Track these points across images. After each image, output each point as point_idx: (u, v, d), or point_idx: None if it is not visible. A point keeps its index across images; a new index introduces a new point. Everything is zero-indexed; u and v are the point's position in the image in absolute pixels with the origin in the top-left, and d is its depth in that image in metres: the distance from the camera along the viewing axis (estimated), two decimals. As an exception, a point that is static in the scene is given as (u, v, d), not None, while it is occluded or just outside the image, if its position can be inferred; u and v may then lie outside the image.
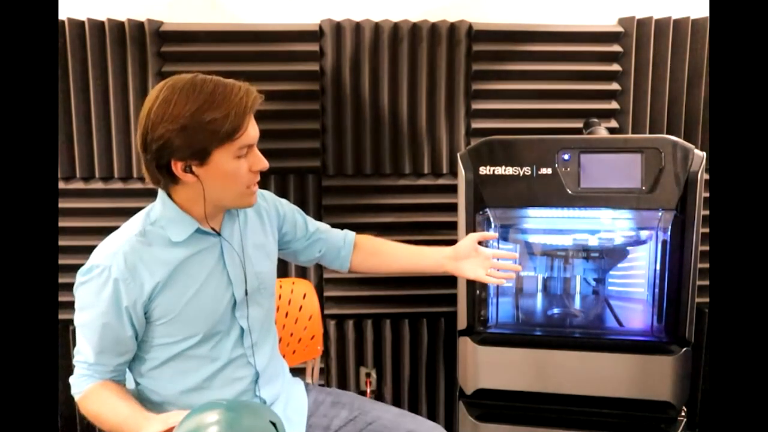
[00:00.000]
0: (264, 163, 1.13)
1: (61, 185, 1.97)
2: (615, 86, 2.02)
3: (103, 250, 1.12)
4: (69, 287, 1.94)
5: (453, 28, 1.97)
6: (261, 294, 1.26)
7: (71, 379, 1.14)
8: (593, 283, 1.89)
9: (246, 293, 1.22)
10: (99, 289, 1.08)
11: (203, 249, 1.17)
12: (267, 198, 1.36)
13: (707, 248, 1.85)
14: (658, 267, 1.65)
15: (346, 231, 1.46)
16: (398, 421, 1.31)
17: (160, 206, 1.15)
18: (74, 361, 1.13)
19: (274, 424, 0.95)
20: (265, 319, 1.28)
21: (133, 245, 1.10)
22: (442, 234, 2.05)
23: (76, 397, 1.12)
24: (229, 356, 1.20)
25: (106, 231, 1.95)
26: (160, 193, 1.16)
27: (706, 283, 1.91)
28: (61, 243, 1.93)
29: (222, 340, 1.19)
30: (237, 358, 1.21)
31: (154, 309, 1.12)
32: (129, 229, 1.14)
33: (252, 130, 1.10)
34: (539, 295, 1.91)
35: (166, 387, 1.18)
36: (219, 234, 1.19)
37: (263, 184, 2.04)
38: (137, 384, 1.21)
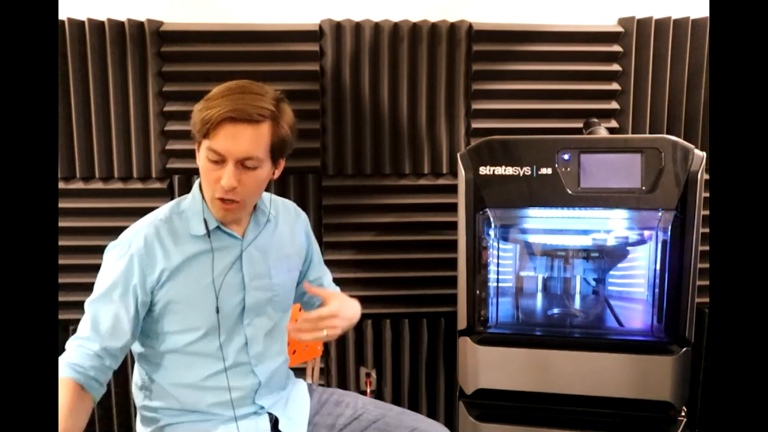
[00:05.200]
0: (225, 182, 1.08)
1: (61, 185, 1.97)
2: (615, 86, 2.02)
3: (130, 228, 1.18)
4: (69, 287, 1.97)
5: (453, 28, 1.97)
6: (272, 306, 1.26)
7: (64, 353, 1.10)
8: (593, 283, 1.89)
9: (256, 300, 1.22)
10: (115, 262, 1.14)
11: (222, 248, 1.19)
12: (302, 216, 1.39)
13: (707, 248, 1.85)
14: (658, 267, 1.65)
15: (330, 285, 1.48)
16: (401, 418, 1.31)
17: (190, 197, 1.21)
18: (69, 342, 1.11)
19: None
20: (272, 331, 1.27)
21: (157, 227, 1.16)
22: (442, 234, 2.06)
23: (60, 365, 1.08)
24: (234, 360, 1.20)
25: (106, 231, 1.98)
26: (197, 183, 1.21)
27: (706, 283, 1.91)
28: (61, 243, 1.94)
29: (227, 342, 1.19)
30: (241, 365, 1.21)
31: (162, 294, 1.14)
32: (159, 212, 1.20)
33: (225, 141, 1.07)
34: (539, 295, 1.91)
35: (169, 377, 1.19)
36: (241, 238, 1.21)
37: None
38: (145, 372, 1.23)
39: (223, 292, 1.18)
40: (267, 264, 1.24)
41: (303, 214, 1.39)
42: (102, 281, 1.15)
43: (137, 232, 1.16)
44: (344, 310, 1.20)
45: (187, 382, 1.19)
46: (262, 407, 1.24)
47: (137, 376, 1.27)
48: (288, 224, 1.32)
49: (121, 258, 1.14)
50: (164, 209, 1.21)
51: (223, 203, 1.13)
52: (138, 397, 1.26)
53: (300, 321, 1.12)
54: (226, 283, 1.18)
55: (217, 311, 1.17)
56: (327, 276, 1.47)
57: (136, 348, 1.23)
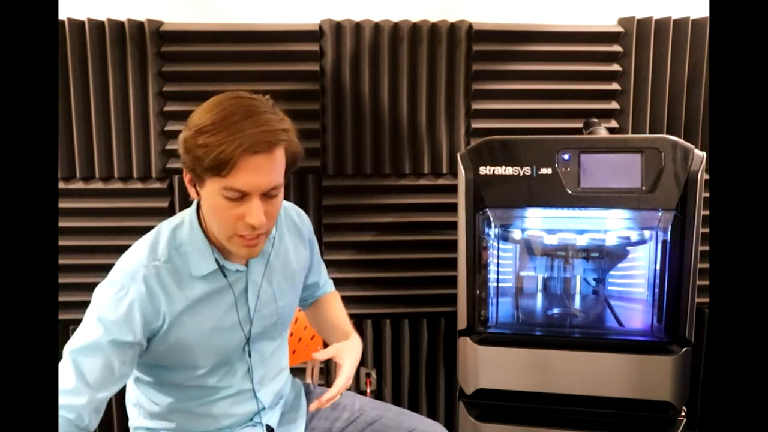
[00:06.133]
0: (254, 220, 0.97)
1: (61, 185, 1.97)
2: (615, 86, 2.02)
3: (124, 265, 1.04)
4: (69, 287, 1.97)
5: (453, 28, 1.97)
6: (277, 329, 1.21)
7: None
8: (593, 283, 1.89)
9: (262, 329, 1.17)
10: (109, 306, 0.99)
11: (226, 285, 1.09)
12: (305, 221, 1.28)
13: (707, 248, 1.85)
14: (658, 267, 1.65)
15: (326, 283, 1.43)
16: (399, 419, 1.30)
17: (188, 229, 1.07)
18: None
19: None
20: (276, 350, 1.23)
21: (158, 270, 1.03)
22: (442, 234, 2.06)
23: None
24: (238, 389, 1.16)
25: (106, 231, 1.99)
26: (191, 210, 1.09)
27: (706, 283, 1.91)
28: (61, 243, 1.94)
29: (230, 373, 1.14)
30: (244, 392, 1.17)
31: (162, 339, 1.04)
32: (154, 246, 1.06)
33: (247, 177, 0.94)
34: (539, 295, 1.90)
35: (165, 402, 1.14)
36: (245, 267, 1.12)
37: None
38: (140, 392, 1.17)
39: (229, 330, 1.10)
40: (272, 289, 1.16)
41: (306, 219, 1.29)
42: (90, 327, 0.98)
43: (134, 273, 1.01)
44: (354, 364, 1.16)
45: (186, 408, 1.14)
46: (261, 423, 1.21)
47: (131, 393, 1.20)
48: (292, 237, 1.23)
49: (119, 303, 0.99)
50: (161, 243, 1.06)
51: (247, 241, 1.01)
52: (132, 414, 1.21)
53: (324, 401, 1.07)
54: (231, 319, 1.11)
55: (223, 349, 1.11)
56: (323, 274, 1.41)
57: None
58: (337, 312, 1.38)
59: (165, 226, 1.10)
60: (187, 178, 1.01)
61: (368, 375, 2.12)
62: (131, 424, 1.22)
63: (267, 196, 0.99)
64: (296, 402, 1.33)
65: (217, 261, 1.07)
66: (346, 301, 2.14)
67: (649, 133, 2.02)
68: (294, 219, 1.25)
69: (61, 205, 1.94)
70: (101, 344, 0.97)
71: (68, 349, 0.98)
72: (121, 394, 2.04)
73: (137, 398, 1.18)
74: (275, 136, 0.96)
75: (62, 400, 0.93)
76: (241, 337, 1.13)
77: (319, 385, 1.55)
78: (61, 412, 0.93)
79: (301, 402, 1.33)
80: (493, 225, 1.68)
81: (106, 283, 1.03)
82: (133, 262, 1.04)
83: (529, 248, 1.85)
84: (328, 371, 2.14)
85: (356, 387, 2.14)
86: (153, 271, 1.02)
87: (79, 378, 0.95)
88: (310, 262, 1.31)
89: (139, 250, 1.06)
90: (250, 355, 1.16)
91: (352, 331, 1.28)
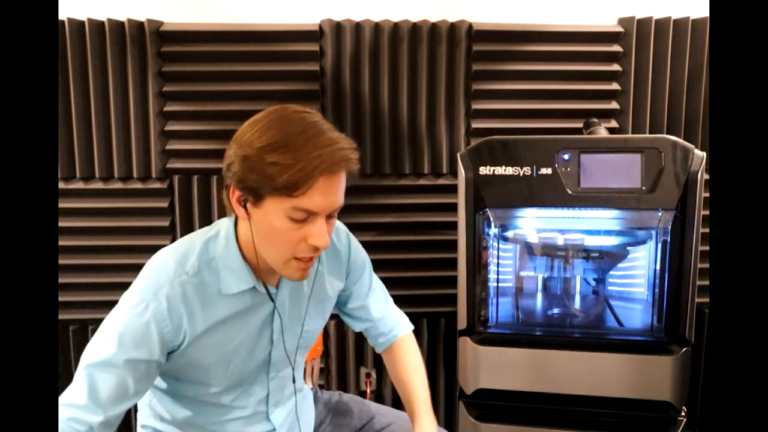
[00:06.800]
0: (321, 241, 0.93)
1: (61, 185, 1.97)
2: (615, 86, 2.02)
3: (151, 273, 0.99)
4: (69, 287, 1.97)
5: (453, 28, 1.97)
6: (300, 352, 1.17)
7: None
8: (593, 283, 1.89)
9: (284, 352, 1.12)
10: (127, 320, 0.95)
11: (253, 306, 1.04)
12: (343, 240, 1.20)
13: (707, 248, 1.85)
14: (658, 267, 1.65)
15: (400, 322, 1.34)
16: (408, 427, 1.24)
17: (223, 243, 1.01)
18: (60, 405, 0.92)
19: None
20: (288, 373, 1.18)
21: (183, 287, 0.97)
22: (442, 234, 2.06)
23: None
24: (253, 410, 1.13)
25: (106, 231, 1.99)
26: (228, 223, 1.03)
27: (706, 283, 1.91)
28: (61, 243, 1.94)
29: (246, 394, 1.11)
30: (258, 413, 1.14)
31: (180, 357, 1.01)
32: (184, 260, 1.00)
33: (320, 198, 0.90)
34: (539, 295, 1.90)
35: (178, 412, 1.11)
36: (276, 289, 1.07)
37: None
38: (153, 395, 1.14)
39: (250, 351, 1.06)
40: (301, 312, 1.11)
41: (352, 241, 1.20)
42: (107, 341, 0.94)
43: (158, 289, 0.96)
44: None
45: (197, 422, 1.11)
46: None
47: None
48: (333, 260, 1.17)
49: (138, 319, 0.95)
50: (192, 255, 1.00)
51: (304, 263, 0.97)
52: (142, 412, 1.18)
53: None
54: (254, 341, 1.06)
55: (242, 370, 1.07)
56: (378, 306, 1.29)
57: None
58: (409, 371, 1.26)
59: (198, 237, 1.04)
60: (235, 195, 0.94)
61: (368, 375, 2.12)
62: (140, 421, 1.19)
63: (329, 216, 0.96)
64: (305, 411, 1.28)
65: (250, 280, 1.02)
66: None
67: (649, 133, 2.02)
68: (334, 241, 1.18)
69: (61, 205, 1.94)
70: (116, 363, 0.93)
71: (84, 362, 0.95)
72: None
73: (150, 399, 1.15)
74: (351, 154, 0.92)
75: (74, 413, 0.91)
76: (262, 360, 1.09)
77: (319, 385, 1.55)
78: (71, 424, 0.91)
79: (309, 410, 1.29)
80: (493, 225, 1.68)
81: (130, 292, 0.98)
82: (159, 275, 0.98)
83: (529, 248, 1.85)
84: (328, 371, 2.14)
85: (356, 387, 2.14)
86: (178, 290, 0.97)
87: (92, 394, 0.93)
88: (349, 286, 1.24)
89: (168, 260, 1.00)
90: (269, 378, 1.13)
91: (423, 407, 1.19)
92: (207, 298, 1.00)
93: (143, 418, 1.18)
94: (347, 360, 2.13)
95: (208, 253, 1.01)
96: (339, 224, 1.19)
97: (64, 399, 0.93)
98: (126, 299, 0.98)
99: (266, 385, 1.12)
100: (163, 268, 0.99)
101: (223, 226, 1.04)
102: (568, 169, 1.61)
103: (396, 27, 1.96)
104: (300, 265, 0.97)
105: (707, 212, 1.71)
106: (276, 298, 1.07)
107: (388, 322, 1.31)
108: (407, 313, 2.15)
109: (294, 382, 1.19)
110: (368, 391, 2.11)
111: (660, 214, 1.59)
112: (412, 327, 1.36)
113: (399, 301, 2.14)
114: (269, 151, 0.88)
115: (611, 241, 1.74)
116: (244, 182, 0.91)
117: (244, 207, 0.94)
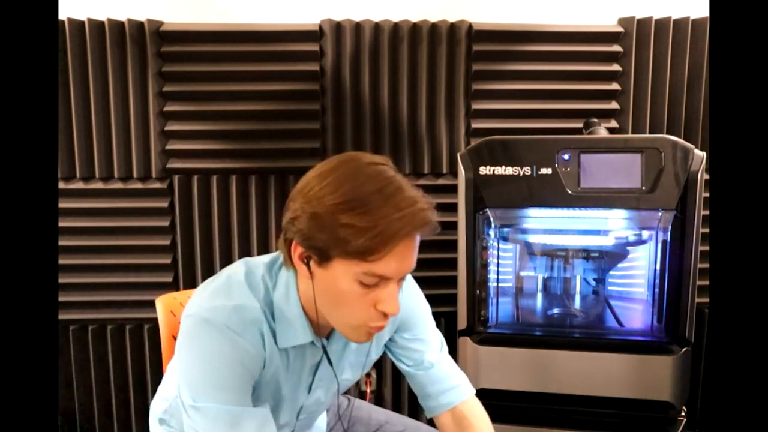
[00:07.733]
0: (392, 308, 0.85)
1: (61, 185, 1.97)
2: (615, 86, 2.02)
3: (228, 302, 0.90)
4: (69, 287, 1.97)
5: (453, 28, 1.97)
6: (332, 396, 1.12)
7: None
8: (593, 283, 1.89)
9: (318, 398, 1.07)
10: (221, 350, 0.88)
11: (302, 356, 0.99)
12: (408, 301, 1.11)
13: (707, 248, 1.85)
14: (658, 267, 1.65)
15: (459, 385, 1.16)
16: None
17: (283, 293, 0.93)
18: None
19: None
20: (317, 411, 1.13)
21: (260, 323, 0.91)
22: (442, 234, 2.05)
23: None
24: None
25: (106, 231, 1.99)
26: (288, 274, 0.94)
27: (706, 283, 1.91)
28: (61, 243, 1.93)
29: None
30: None
31: None
32: (253, 294, 0.91)
33: (396, 264, 0.82)
34: (539, 295, 1.91)
35: None
36: (327, 340, 1.02)
37: (263, 184, 2.07)
38: (175, 396, 1.08)
39: (288, 395, 1.00)
40: (342, 364, 1.05)
41: (403, 291, 1.06)
42: (219, 358, 0.87)
43: (249, 324, 0.89)
44: None
45: None
46: None
47: (166, 390, 1.11)
48: None
49: (228, 344, 0.88)
50: (257, 292, 0.92)
51: (375, 330, 0.90)
52: (157, 405, 1.12)
53: None
54: (294, 388, 1.01)
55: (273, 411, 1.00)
56: (429, 353, 1.14)
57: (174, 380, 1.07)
58: None
59: (257, 276, 0.95)
60: (297, 252, 0.87)
61: (368, 375, 2.12)
62: (155, 408, 1.14)
63: (401, 278, 0.88)
64: (317, 421, 1.26)
65: (309, 335, 0.96)
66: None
67: (649, 133, 2.02)
68: None
69: (61, 205, 1.94)
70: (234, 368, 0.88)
71: (200, 401, 0.87)
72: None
73: (171, 396, 1.09)
74: (432, 216, 0.85)
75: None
76: (295, 407, 1.05)
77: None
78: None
79: (321, 418, 1.27)
80: (493, 225, 1.68)
81: (209, 320, 0.88)
82: (245, 306, 0.90)
83: (528, 248, 1.85)
84: (328, 371, 2.14)
85: (356, 387, 2.14)
86: (266, 329, 0.91)
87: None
88: (399, 340, 1.14)
89: (244, 289, 0.92)
90: (298, 420, 1.09)
91: None
92: (262, 339, 0.93)
93: (158, 409, 1.13)
94: (347, 360, 2.12)
95: (268, 295, 0.93)
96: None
97: None
98: (205, 329, 0.90)
99: (293, 424, 1.08)
100: (244, 300, 0.92)
101: (282, 276, 0.95)
102: (568, 169, 1.61)
103: (396, 27, 1.96)
104: (366, 328, 0.89)
105: (707, 212, 1.71)
106: (328, 351, 1.01)
107: (443, 375, 1.15)
108: (407, 313, 2.15)
109: (316, 414, 1.15)
110: (368, 391, 2.11)
111: (660, 214, 1.59)
112: (472, 394, 1.18)
113: (399, 301, 2.15)
114: (343, 210, 0.80)
115: (611, 241, 1.74)
116: (311, 240, 0.83)
117: (307, 264, 0.87)
